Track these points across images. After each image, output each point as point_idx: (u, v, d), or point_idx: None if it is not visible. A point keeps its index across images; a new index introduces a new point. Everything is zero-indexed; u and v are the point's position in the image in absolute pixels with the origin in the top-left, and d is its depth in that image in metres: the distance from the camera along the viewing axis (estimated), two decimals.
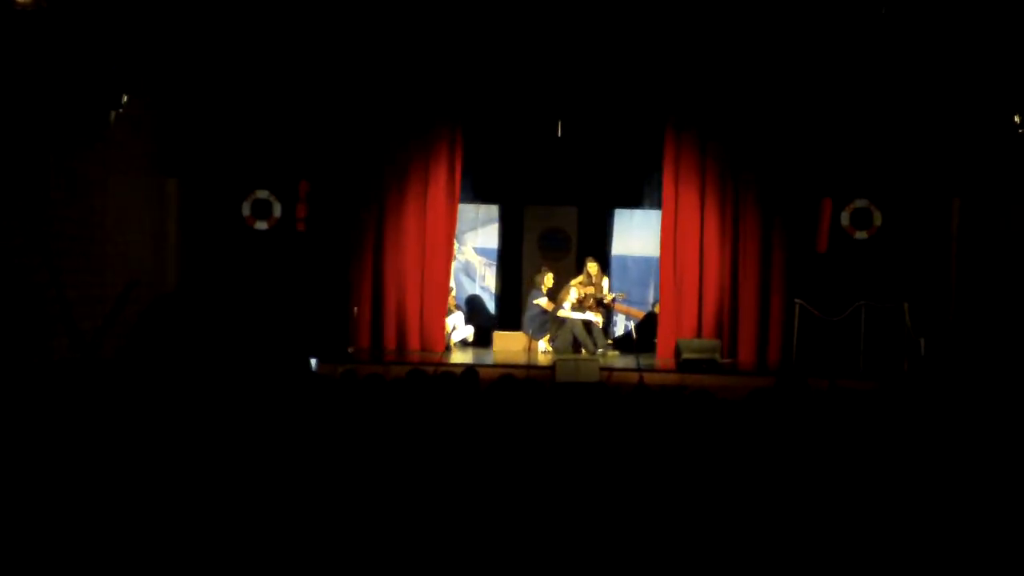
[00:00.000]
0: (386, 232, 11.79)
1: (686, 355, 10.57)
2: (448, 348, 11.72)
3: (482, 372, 6.67)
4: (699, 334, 11.39)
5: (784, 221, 11.40)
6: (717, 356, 10.66)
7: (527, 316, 11.97)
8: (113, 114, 9.95)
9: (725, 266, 11.55)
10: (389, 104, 11.60)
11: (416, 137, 11.75)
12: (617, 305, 12.21)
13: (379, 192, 11.78)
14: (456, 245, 12.64)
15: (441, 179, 11.75)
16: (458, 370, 6.54)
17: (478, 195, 13.05)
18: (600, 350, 11.46)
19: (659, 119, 11.67)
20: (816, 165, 11.24)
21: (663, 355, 11.35)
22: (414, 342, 11.68)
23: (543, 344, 11.77)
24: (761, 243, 11.46)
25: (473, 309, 13.24)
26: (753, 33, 10.92)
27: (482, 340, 12.43)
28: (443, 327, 11.75)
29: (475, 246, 13.71)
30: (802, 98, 11.17)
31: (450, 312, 12.06)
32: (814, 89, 11.09)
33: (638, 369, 9.74)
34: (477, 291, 13.65)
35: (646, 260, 13.22)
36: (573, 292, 11.69)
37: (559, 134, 11.94)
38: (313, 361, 9.62)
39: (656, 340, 11.63)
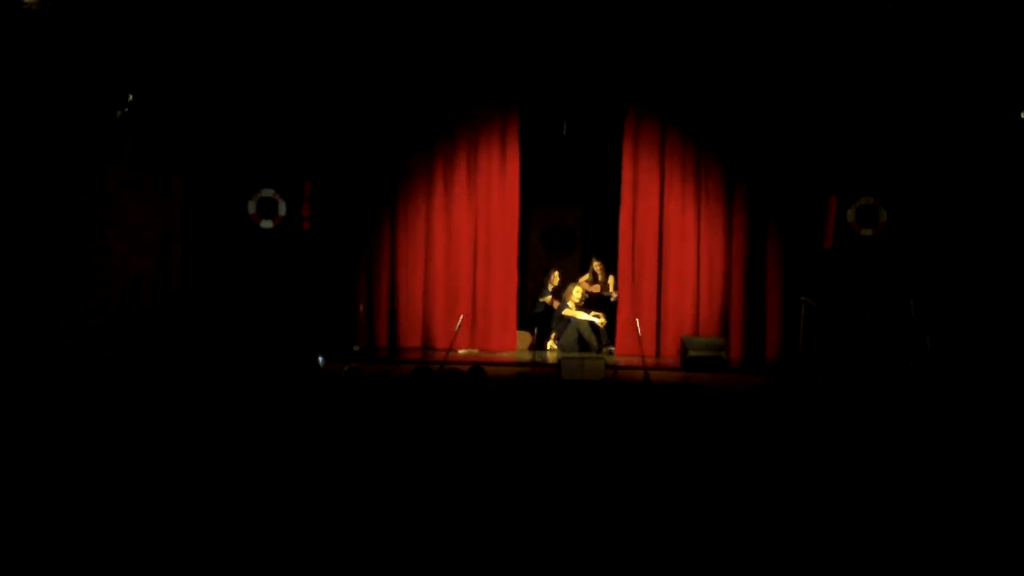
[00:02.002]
0: (427, 229, 11.75)
1: (692, 352, 10.56)
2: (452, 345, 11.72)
3: (488, 370, 6.69)
4: (658, 327, 11.42)
5: (753, 213, 11.43)
6: (723, 354, 10.65)
7: (533, 314, 11.99)
8: (119, 113, 9.97)
9: (687, 257, 11.53)
10: (404, 103, 11.58)
11: (459, 128, 11.70)
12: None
13: (405, 188, 11.75)
14: None
15: (493, 171, 11.69)
16: (464, 368, 6.56)
17: None
18: (605, 348, 11.47)
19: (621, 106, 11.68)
20: (804, 159, 11.23)
21: (621, 351, 11.37)
22: (463, 340, 11.58)
23: (548, 342, 11.77)
24: (727, 234, 11.48)
25: None
26: (739, 24, 10.89)
27: None
28: (513, 325, 11.77)
29: None
30: (788, 87, 11.16)
31: None
32: (804, 80, 11.07)
33: (643, 368, 9.72)
34: None
35: None
36: (578, 291, 11.69)
37: (564, 132, 11.94)
38: (320, 359, 9.65)
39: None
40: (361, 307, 11.70)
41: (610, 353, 11.41)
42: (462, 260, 11.72)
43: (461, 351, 11.29)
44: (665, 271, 11.56)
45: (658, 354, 11.33)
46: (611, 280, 12.04)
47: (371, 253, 11.80)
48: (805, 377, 9.54)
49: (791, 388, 6.56)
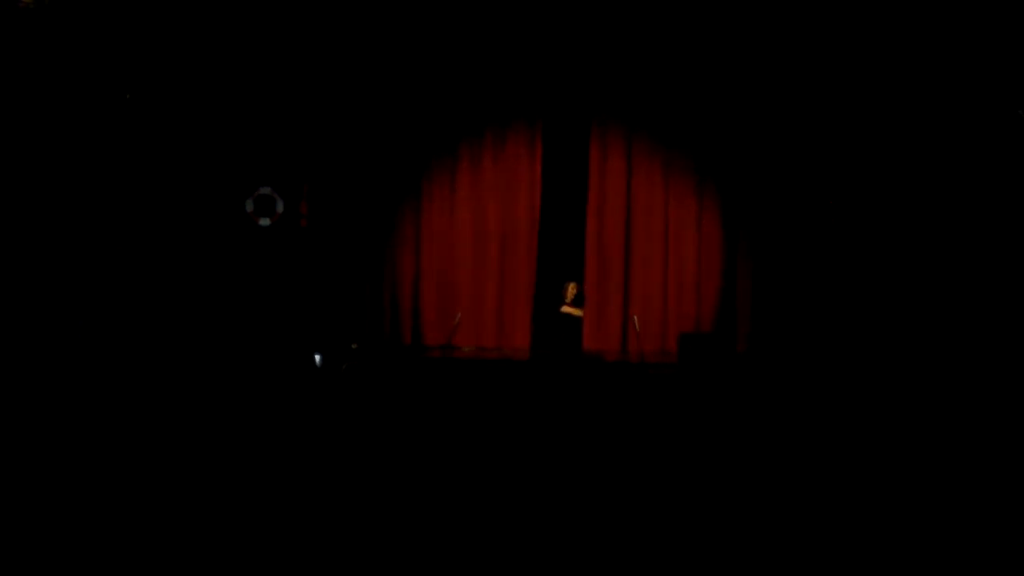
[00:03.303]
0: (452, 228, 11.88)
1: (690, 348, 10.64)
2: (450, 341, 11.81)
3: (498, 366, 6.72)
4: (623, 324, 11.54)
5: (722, 206, 11.67)
6: (717, 349, 10.74)
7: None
8: (116, 112, 9.98)
9: (655, 255, 11.70)
10: (430, 108, 11.72)
11: (486, 130, 11.86)
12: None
13: (430, 188, 11.87)
14: None
15: (521, 173, 11.81)
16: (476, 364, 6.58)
17: None
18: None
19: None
20: (775, 156, 11.42)
21: (589, 344, 11.53)
22: (489, 338, 11.72)
23: None
24: (697, 229, 11.68)
25: None
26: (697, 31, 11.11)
27: None
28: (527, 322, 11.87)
29: None
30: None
31: None
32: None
33: (643, 363, 9.78)
34: None
35: None
36: (572, 287, 11.78)
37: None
38: (317, 357, 9.66)
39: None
40: (364, 303, 11.80)
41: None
42: (488, 258, 11.82)
43: (466, 348, 11.43)
44: (632, 269, 11.76)
45: (624, 350, 11.46)
46: None
47: (393, 251, 11.89)
48: (781, 370, 9.75)
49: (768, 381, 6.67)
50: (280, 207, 11.52)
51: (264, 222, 11.54)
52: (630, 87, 11.61)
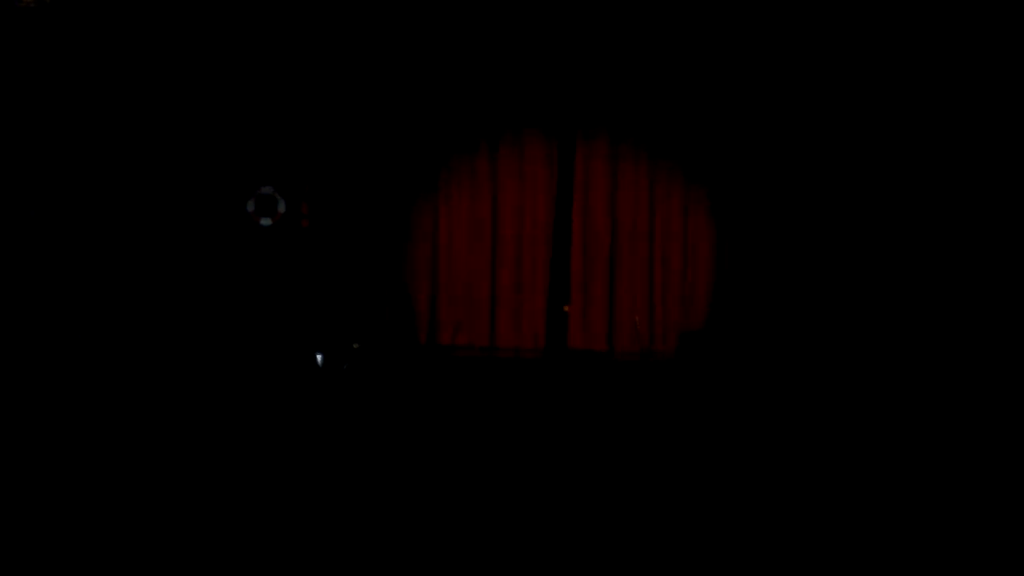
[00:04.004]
0: (471, 227, 11.92)
1: (691, 347, 10.73)
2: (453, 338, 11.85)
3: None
4: (610, 328, 11.60)
5: (712, 208, 11.73)
6: (711, 348, 10.83)
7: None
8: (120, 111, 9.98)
9: (639, 256, 11.78)
10: (449, 109, 11.74)
11: (504, 132, 11.92)
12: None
13: (448, 187, 11.91)
14: None
15: (539, 172, 11.87)
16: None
17: None
18: None
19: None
20: (762, 159, 11.44)
21: (575, 343, 11.55)
22: (506, 338, 11.78)
23: None
24: (683, 231, 11.76)
25: None
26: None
27: None
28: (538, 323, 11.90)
29: None
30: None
31: None
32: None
33: (641, 360, 9.82)
34: None
35: None
36: None
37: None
38: (319, 356, 9.67)
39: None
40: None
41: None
42: (505, 259, 11.87)
43: (479, 347, 11.54)
44: (618, 269, 11.82)
45: (610, 348, 11.52)
46: None
47: (409, 252, 11.92)
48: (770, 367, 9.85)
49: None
50: (282, 207, 11.52)
51: (265, 222, 11.54)
52: (618, 92, 11.62)
